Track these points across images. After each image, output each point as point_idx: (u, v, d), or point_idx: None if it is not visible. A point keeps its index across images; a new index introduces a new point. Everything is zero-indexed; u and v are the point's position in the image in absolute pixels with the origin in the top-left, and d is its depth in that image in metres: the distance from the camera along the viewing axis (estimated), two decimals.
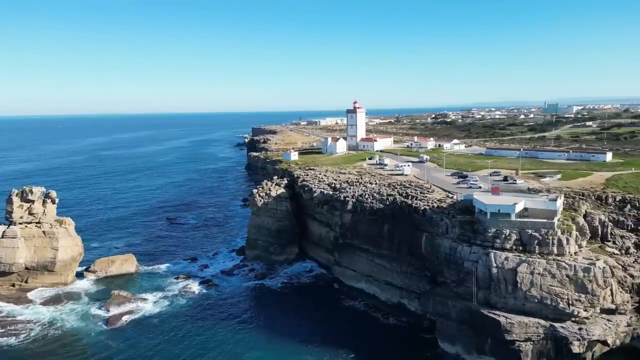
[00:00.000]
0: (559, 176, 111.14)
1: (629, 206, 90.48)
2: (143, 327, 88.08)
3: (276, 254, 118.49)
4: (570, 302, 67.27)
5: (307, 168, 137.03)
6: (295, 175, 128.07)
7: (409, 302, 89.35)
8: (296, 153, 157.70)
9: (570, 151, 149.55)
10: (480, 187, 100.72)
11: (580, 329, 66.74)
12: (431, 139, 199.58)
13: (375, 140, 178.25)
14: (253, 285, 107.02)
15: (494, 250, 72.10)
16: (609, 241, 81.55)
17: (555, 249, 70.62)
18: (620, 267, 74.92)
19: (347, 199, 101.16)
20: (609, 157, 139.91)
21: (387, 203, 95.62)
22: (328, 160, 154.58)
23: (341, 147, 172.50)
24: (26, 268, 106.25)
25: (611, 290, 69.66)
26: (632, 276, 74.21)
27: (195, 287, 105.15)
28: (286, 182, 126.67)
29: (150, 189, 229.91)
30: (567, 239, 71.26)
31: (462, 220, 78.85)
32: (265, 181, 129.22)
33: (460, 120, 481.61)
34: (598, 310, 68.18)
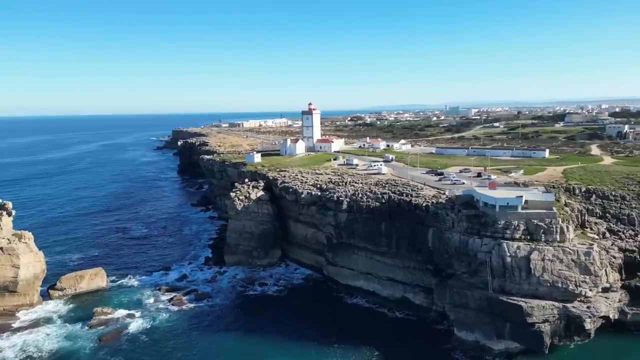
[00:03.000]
0: (522, 171, 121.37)
1: (594, 196, 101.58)
2: (142, 343, 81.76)
3: (260, 258, 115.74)
4: (578, 284, 74.30)
5: (278, 170, 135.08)
6: (271, 178, 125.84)
7: (413, 296, 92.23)
8: (259, 155, 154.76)
9: (514, 149, 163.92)
10: (463, 183, 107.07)
11: (588, 307, 74.10)
12: (379, 139, 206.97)
13: (332, 142, 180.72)
14: (245, 291, 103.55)
15: (505, 241, 77.39)
16: (587, 228, 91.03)
17: (558, 237, 77.41)
18: (603, 249, 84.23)
19: (340, 198, 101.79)
20: (547, 153, 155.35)
21: (383, 201, 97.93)
22: (292, 161, 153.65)
23: (300, 148, 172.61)
24: None
25: (605, 271, 78.13)
26: (614, 257, 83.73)
27: (183, 298, 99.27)
28: (263, 184, 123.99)
29: (81, 196, 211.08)
30: (567, 227, 78.66)
31: (468, 214, 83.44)
32: (240, 185, 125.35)
33: (378, 123, 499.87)
34: (600, 289, 76.15)
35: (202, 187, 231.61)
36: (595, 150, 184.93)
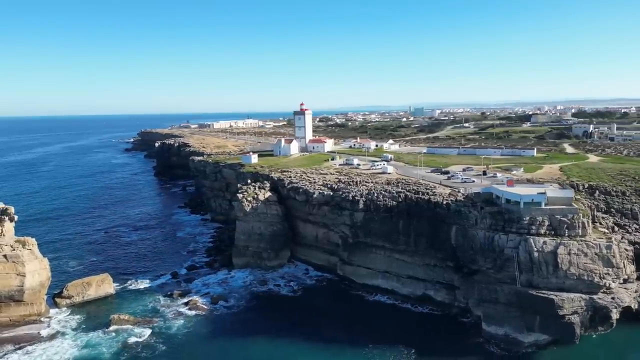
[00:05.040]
0: (522, 169, 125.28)
1: (597, 192, 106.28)
2: (166, 349, 79.24)
3: (269, 260, 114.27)
4: (602, 276, 77.46)
5: (280, 171, 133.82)
6: (276, 178, 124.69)
7: (435, 293, 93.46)
8: (256, 155, 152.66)
9: (504, 147, 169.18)
10: (473, 181, 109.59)
11: (612, 298, 77.50)
12: (369, 139, 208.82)
13: (325, 142, 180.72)
14: (260, 292, 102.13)
15: (531, 236, 79.79)
16: (596, 223, 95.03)
17: (580, 231, 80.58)
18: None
19: (356, 198, 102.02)
20: (535, 152, 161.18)
21: (400, 200, 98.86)
22: (289, 162, 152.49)
23: (295, 148, 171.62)
24: None
25: (624, 262, 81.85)
26: (627, 250, 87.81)
27: (199, 301, 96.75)
28: (269, 185, 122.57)
29: (61, 199, 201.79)
30: (587, 222, 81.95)
31: (491, 211, 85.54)
32: (246, 186, 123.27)
33: (349, 124, 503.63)
34: (621, 280, 79.69)
35: (185, 188, 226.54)
36: (569, 149, 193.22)
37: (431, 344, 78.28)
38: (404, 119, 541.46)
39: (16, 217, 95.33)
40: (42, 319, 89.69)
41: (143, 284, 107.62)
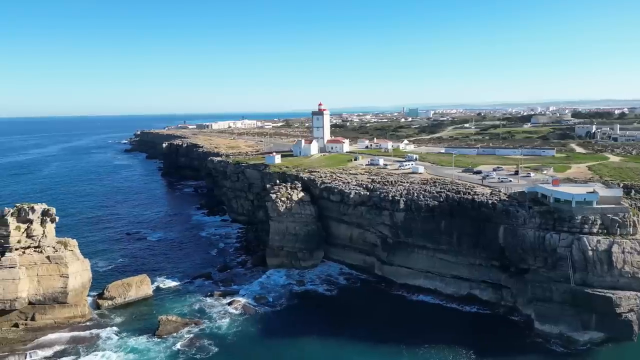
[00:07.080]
0: (552, 169, 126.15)
1: (633, 191, 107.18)
2: (220, 350, 78.52)
3: (304, 260, 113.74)
4: None
5: (307, 171, 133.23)
6: (306, 178, 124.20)
7: (480, 293, 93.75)
8: (279, 156, 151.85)
9: (523, 147, 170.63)
10: (510, 181, 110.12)
11: None
12: (386, 139, 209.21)
13: (344, 142, 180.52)
14: (300, 292, 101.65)
15: (584, 235, 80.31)
16: None
17: (631, 230, 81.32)
18: None
19: (396, 198, 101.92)
20: (554, 152, 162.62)
21: (441, 200, 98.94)
22: (313, 162, 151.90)
23: (314, 149, 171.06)
24: (29, 303, 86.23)
25: None
26: None
27: (242, 301, 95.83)
28: (301, 185, 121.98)
29: (72, 201, 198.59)
30: (638, 220, 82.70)
31: (540, 211, 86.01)
32: (277, 186, 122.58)
33: (348, 124, 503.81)
34: None
35: (197, 189, 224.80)
36: (578, 149, 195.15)
37: (488, 343, 78.24)
38: (402, 120, 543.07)
39: (57, 218, 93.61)
40: (86, 320, 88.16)
41: (179, 284, 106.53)
